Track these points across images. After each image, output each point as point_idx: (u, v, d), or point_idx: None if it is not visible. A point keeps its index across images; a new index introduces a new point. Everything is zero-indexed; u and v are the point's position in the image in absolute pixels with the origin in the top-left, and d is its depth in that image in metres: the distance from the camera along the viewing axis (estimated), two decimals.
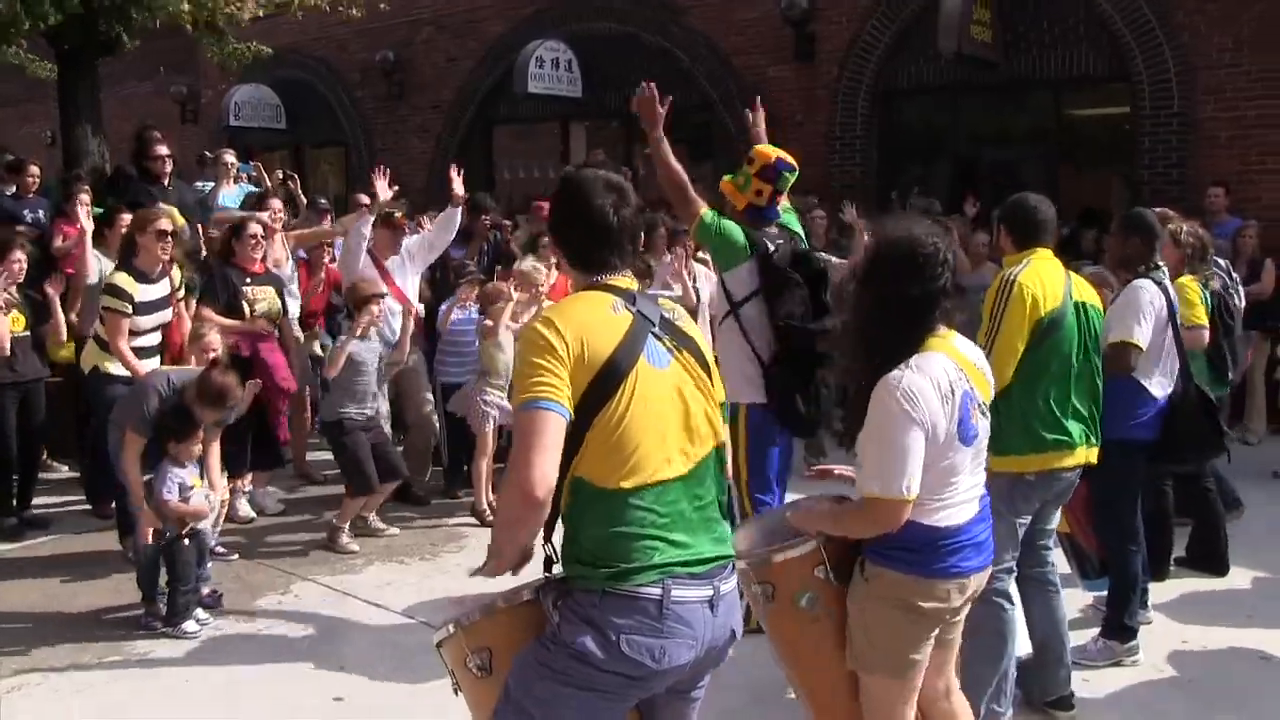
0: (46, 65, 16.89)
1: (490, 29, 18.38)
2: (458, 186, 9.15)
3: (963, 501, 3.71)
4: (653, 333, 3.07)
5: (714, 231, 5.92)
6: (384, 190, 8.84)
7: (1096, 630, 5.97)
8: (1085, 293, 5.18)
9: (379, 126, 19.82)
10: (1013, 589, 4.93)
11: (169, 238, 7.50)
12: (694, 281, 8.84)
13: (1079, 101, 14.18)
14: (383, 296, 8.17)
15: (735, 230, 5.91)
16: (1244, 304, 8.63)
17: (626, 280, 3.17)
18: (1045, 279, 4.98)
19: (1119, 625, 5.89)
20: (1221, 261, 8.42)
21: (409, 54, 19.44)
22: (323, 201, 12.07)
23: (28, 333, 8.11)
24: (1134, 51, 12.70)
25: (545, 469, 2.83)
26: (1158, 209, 8.72)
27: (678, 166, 5.93)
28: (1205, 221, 8.99)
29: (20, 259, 7.75)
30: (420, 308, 9.25)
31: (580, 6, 17.44)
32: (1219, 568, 7.22)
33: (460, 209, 9.28)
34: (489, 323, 8.26)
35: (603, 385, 2.93)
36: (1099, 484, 5.54)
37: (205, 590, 6.67)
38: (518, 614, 3.15)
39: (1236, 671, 5.85)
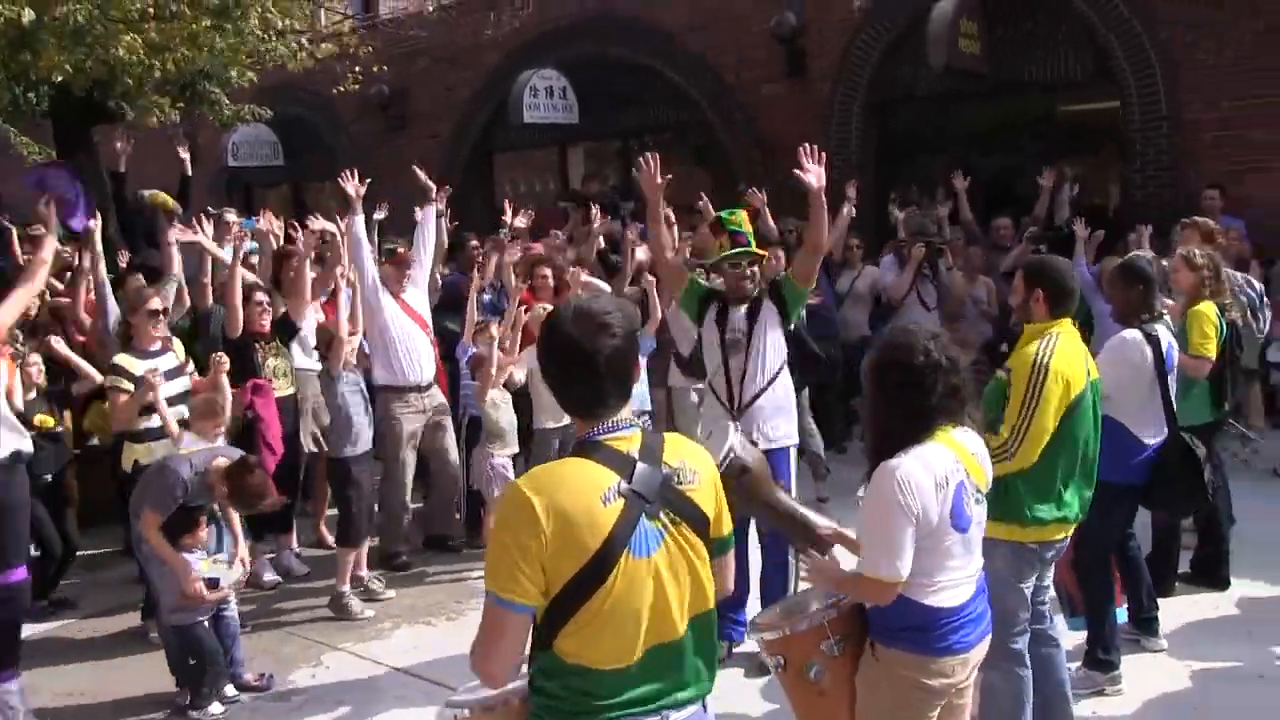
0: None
1: (485, 58, 18.58)
2: (425, 180, 9.31)
3: (960, 583, 3.92)
4: (645, 513, 2.96)
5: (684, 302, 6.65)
6: (353, 189, 8.70)
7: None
8: (1095, 369, 5.29)
9: (377, 159, 19.96)
10: (1025, 654, 5.09)
11: (160, 316, 7.71)
12: None
13: (1071, 107, 14.30)
14: (353, 334, 8.30)
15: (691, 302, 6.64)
16: (1268, 326, 8.61)
17: (629, 439, 3.04)
18: (1073, 359, 5.09)
19: (1096, 659, 6.08)
20: (1257, 285, 8.48)
21: (405, 86, 19.62)
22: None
23: (59, 429, 8.28)
24: (1119, 55, 12.84)
25: (504, 664, 2.99)
26: (1199, 219, 8.91)
27: (662, 251, 6.65)
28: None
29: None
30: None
31: (573, 34, 17.64)
32: (1221, 585, 7.38)
33: (433, 204, 9.40)
34: (478, 385, 8.47)
35: (582, 583, 2.89)
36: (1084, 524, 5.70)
37: (249, 675, 6.79)
38: (522, 712, 3.26)
39: (1238, 693, 6.02)
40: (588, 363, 2.98)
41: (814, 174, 6.39)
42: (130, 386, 7.44)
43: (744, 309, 6.56)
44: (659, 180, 6.41)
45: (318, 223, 8.93)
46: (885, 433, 3.96)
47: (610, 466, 2.98)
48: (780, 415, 6.69)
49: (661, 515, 3.01)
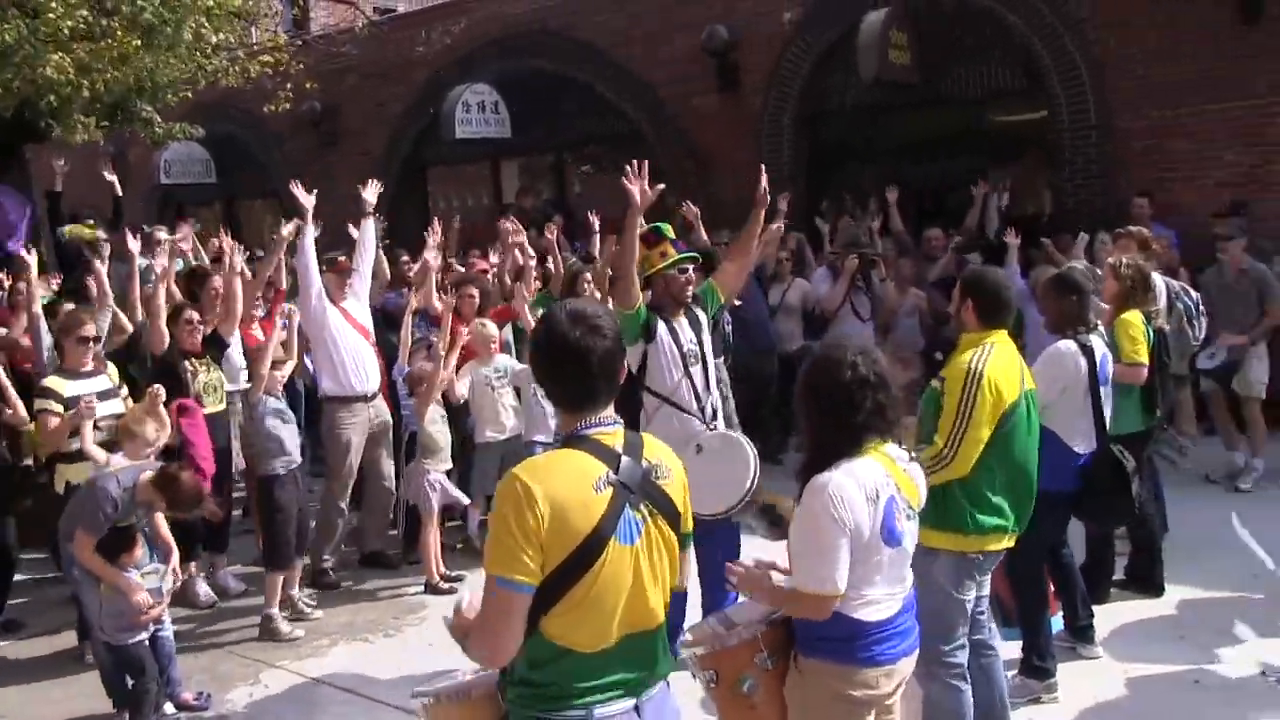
0: None
1: (415, 74, 18.53)
2: (368, 194, 9.25)
3: (887, 598, 3.89)
4: (629, 502, 3.17)
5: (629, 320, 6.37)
6: (305, 198, 8.67)
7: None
8: (1030, 378, 5.33)
9: (310, 175, 19.78)
10: (964, 668, 5.10)
11: (91, 343, 7.65)
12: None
13: (1002, 117, 14.41)
14: (282, 362, 8.22)
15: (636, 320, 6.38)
16: (1204, 333, 8.82)
17: (613, 434, 3.24)
18: (1007, 369, 5.11)
19: (1031, 667, 6.13)
20: (1193, 293, 8.65)
21: (336, 102, 19.57)
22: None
23: None
24: (1049, 66, 13.00)
25: (511, 644, 3.08)
26: (1132, 228, 9.03)
27: (634, 262, 6.34)
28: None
29: None
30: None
31: (504, 49, 17.63)
32: (1155, 591, 7.46)
33: (374, 218, 9.36)
34: (416, 404, 8.41)
35: (573, 566, 3.05)
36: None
37: (187, 694, 6.72)
38: (481, 704, 3.43)
39: (1174, 698, 6.09)
40: (581, 361, 3.18)
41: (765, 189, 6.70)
42: (59, 408, 7.36)
43: (685, 319, 6.58)
44: (649, 191, 6.30)
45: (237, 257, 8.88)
46: (817, 446, 3.97)
47: (598, 458, 3.18)
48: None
49: (642, 506, 3.22)
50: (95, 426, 7.24)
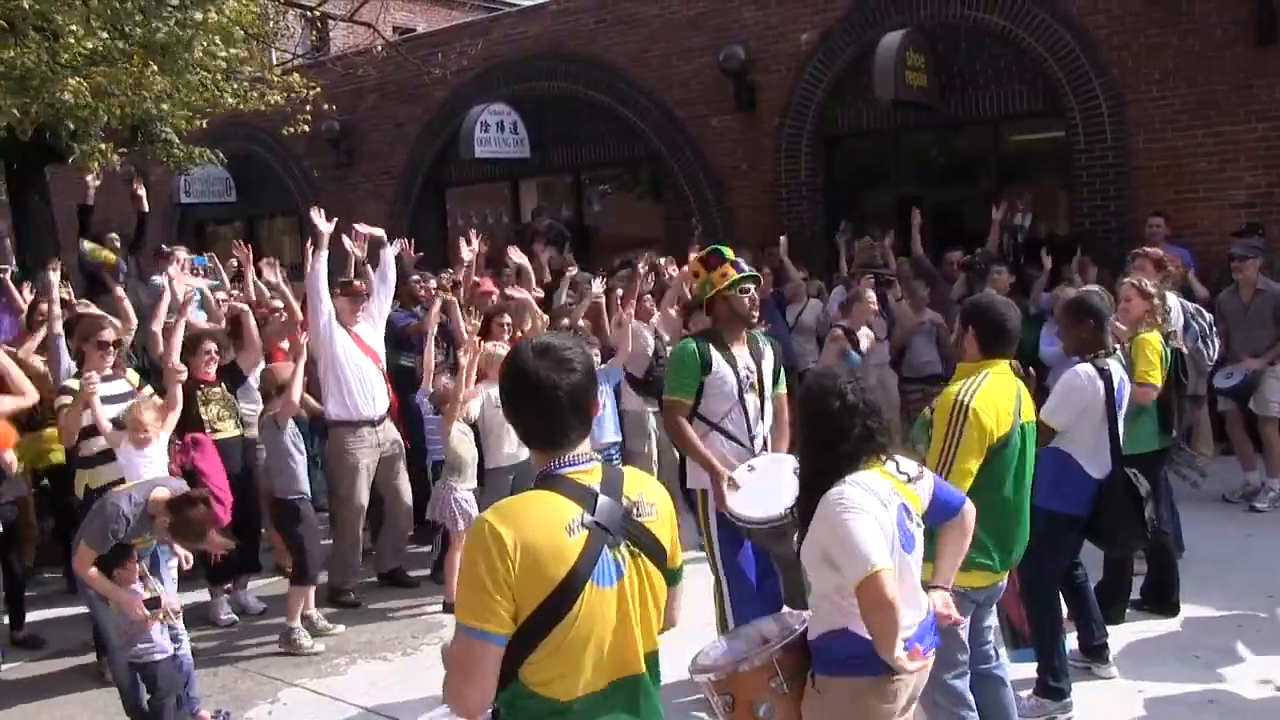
0: None
1: (435, 93, 18.64)
2: (374, 230, 9.33)
3: (907, 616, 3.88)
4: (608, 544, 3.04)
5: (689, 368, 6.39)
6: (323, 223, 8.73)
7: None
8: (1029, 410, 5.25)
9: (329, 194, 19.96)
10: (969, 695, 5.06)
11: (111, 348, 7.72)
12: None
13: (1017, 138, 14.50)
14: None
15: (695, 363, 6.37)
16: (1217, 353, 8.83)
17: (590, 472, 3.12)
18: (999, 401, 5.04)
19: (1046, 687, 6.10)
20: (1206, 315, 8.67)
21: (355, 122, 19.71)
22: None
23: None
24: (1065, 88, 13.04)
25: (483, 694, 2.99)
26: (1150, 250, 9.04)
27: None
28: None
29: None
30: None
31: (523, 68, 17.75)
32: (1170, 611, 7.46)
33: (390, 248, 9.42)
34: (442, 421, 8.44)
35: (548, 613, 2.95)
36: (1029, 551, 5.62)
37: (205, 713, 6.74)
38: None
39: (1190, 718, 6.08)
40: (549, 397, 3.06)
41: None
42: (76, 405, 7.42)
43: (746, 347, 6.52)
44: None
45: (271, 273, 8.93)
46: (813, 472, 4.04)
47: (573, 499, 3.05)
48: None
49: (623, 546, 3.09)
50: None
